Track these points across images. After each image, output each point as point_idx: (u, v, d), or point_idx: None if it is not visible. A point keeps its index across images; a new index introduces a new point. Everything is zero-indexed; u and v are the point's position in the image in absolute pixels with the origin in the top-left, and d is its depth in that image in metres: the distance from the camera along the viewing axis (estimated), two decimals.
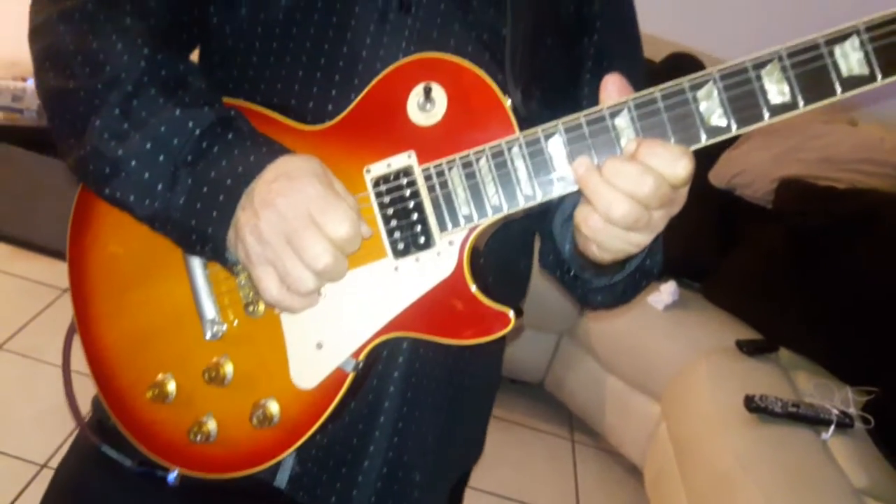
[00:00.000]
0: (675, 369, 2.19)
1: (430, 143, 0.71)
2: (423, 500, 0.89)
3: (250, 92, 0.79)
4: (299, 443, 0.76)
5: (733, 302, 2.40)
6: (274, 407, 0.76)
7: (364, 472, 0.83)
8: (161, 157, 0.69)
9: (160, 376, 0.79)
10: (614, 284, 0.83)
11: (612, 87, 0.65)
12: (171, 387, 0.79)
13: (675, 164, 0.61)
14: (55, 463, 1.94)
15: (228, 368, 0.77)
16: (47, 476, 1.89)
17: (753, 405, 1.85)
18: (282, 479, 0.84)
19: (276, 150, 0.70)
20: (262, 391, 0.76)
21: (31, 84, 2.58)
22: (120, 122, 0.69)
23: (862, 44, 0.59)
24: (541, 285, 2.36)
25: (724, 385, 2.01)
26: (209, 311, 0.78)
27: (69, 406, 0.88)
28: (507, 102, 0.70)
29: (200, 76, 0.74)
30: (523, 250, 0.94)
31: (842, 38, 0.60)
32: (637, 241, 0.66)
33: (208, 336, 0.78)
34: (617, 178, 0.62)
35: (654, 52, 2.68)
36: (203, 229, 0.70)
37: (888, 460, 1.85)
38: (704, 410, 1.98)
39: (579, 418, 2.59)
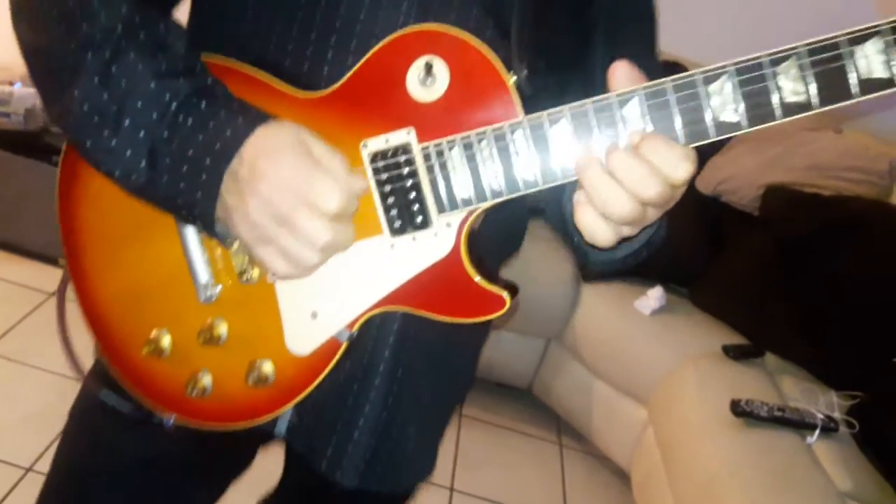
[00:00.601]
0: (662, 374, 2.20)
1: (429, 120, 0.68)
2: (417, 452, 0.91)
3: (242, 49, 0.76)
4: (293, 402, 0.78)
5: (720, 307, 2.42)
6: (269, 367, 0.77)
7: (360, 429, 0.84)
8: (141, 134, 0.67)
9: (155, 332, 0.79)
10: (614, 260, 0.82)
11: (621, 74, 0.63)
12: (166, 342, 0.79)
13: (677, 166, 0.60)
14: (41, 466, 1.93)
15: (223, 330, 0.77)
16: (33, 479, 1.88)
17: (739, 409, 1.86)
18: (281, 428, 0.86)
19: (253, 120, 0.68)
20: (257, 352, 0.77)
21: (17, 88, 2.57)
22: (99, 92, 0.67)
23: (886, 45, 0.57)
24: (529, 291, 2.36)
25: (710, 390, 2.02)
26: (203, 275, 0.77)
27: (66, 356, 0.90)
28: (511, 81, 0.67)
29: (181, 36, 0.72)
30: (521, 216, 0.92)
31: (864, 38, 0.57)
32: (626, 232, 0.65)
33: (202, 299, 0.78)
34: (622, 176, 0.61)
35: None
36: (189, 207, 0.69)
37: (872, 464, 1.86)
38: (691, 415, 1.99)
39: (567, 423, 2.60)
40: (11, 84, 2.58)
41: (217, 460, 0.94)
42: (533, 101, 0.68)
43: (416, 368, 0.85)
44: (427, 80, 0.68)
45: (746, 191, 2.53)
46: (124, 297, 0.81)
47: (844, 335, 2.20)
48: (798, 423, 1.88)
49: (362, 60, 0.70)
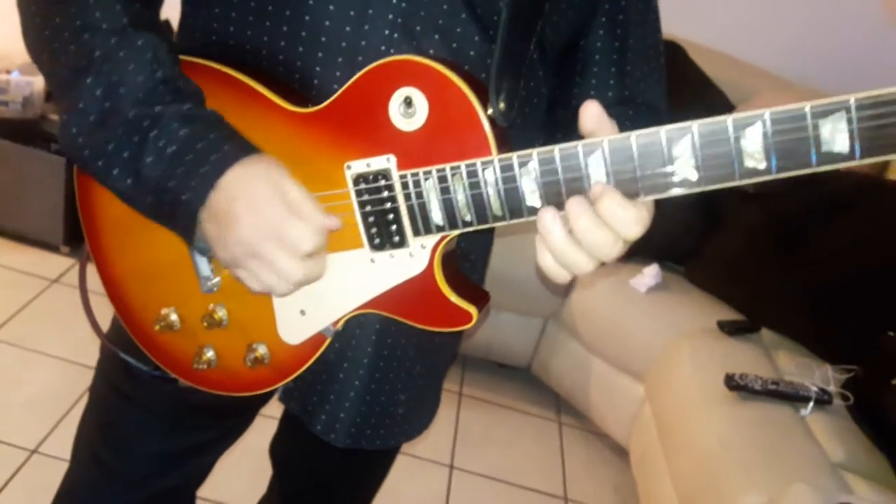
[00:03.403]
0: (658, 351, 2.22)
1: (409, 149, 0.72)
2: (408, 415, 0.98)
3: (237, 58, 0.79)
4: (286, 381, 0.85)
5: (715, 284, 2.44)
6: (264, 350, 0.84)
7: (350, 400, 0.91)
8: (125, 154, 0.71)
9: (164, 311, 0.85)
10: None
11: (591, 115, 0.65)
12: (175, 318, 0.85)
13: (630, 228, 0.64)
14: (45, 448, 1.97)
15: (223, 314, 0.83)
16: (38, 461, 1.92)
17: (733, 383, 1.89)
18: (279, 391, 0.93)
19: (227, 157, 0.71)
20: (253, 336, 0.83)
21: (15, 76, 2.58)
22: (86, 117, 0.70)
23: (849, 122, 0.57)
24: (527, 272, 2.38)
25: (705, 365, 2.05)
26: (204, 268, 0.82)
27: (90, 322, 0.95)
28: (485, 118, 0.70)
29: (168, 52, 0.73)
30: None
31: (828, 112, 0.57)
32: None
33: (203, 290, 0.83)
34: (583, 239, 0.65)
35: None
36: (171, 227, 0.75)
37: (865, 435, 1.89)
38: (686, 390, 2.02)
39: (566, 401, 2.63)
40: (9, 72, 2.59)
41: (226, 411, 1.01)
42: (513, 129, 0.72)
43: (402, 346, 0.91)
44: (407, 111, 0.71)
45: None
46: (135, 276, 0.87)
47: (839, 309, 2.21)
48: (792, 396, 1.90)
49: (349, 83, 0.73)
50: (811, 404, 1.89)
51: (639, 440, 2.25)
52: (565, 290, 2.47)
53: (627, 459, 2.33)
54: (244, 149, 0.72)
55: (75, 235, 2.72)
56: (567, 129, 0.87)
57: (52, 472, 1.87)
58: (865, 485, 1.69)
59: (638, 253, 2.48)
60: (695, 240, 2.51)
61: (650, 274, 2.38)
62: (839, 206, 2.30)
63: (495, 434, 2.52)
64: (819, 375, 2.05)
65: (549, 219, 0.65)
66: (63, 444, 1.98)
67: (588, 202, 0.65)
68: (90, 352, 2.33)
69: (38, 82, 2.59)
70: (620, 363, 2.38)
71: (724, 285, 2.41)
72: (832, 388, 1.98)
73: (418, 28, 0.75)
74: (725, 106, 2.69)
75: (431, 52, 0.76)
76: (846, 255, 2.24)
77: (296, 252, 0.71)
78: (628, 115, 0.85)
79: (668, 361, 2.15)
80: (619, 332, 2.36)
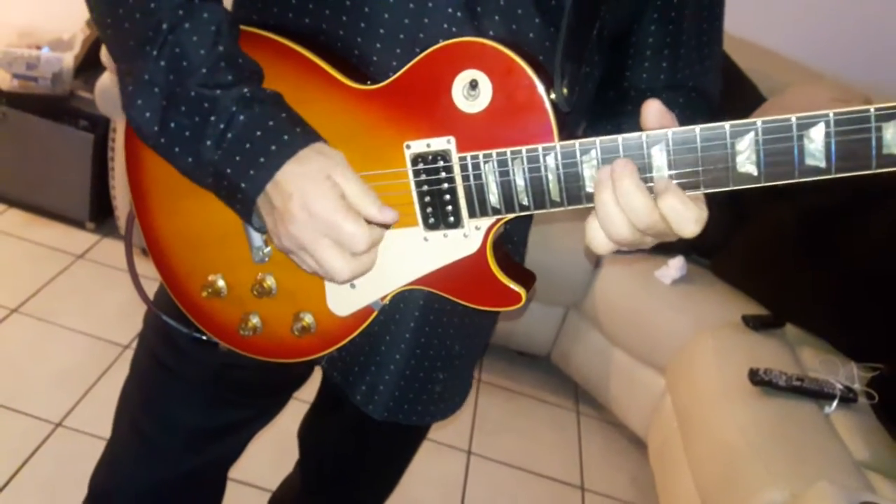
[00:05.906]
0: (681, 343, 2.21)
1: (470, 131, 0.72)
2: (445, 394, 0.99)
3: (295, 34, 0.78)
4: (331, 350, 0.87)
5: (741, 278, 2.41)
6: (310, 319, 0.85)
7: (390, 373, 0.93)
8: (187, 133, 0.72)
9: (211, 277, 0.86)
10: None
11: (653, 112, 0.66)
12: (222, 284, 0.86)
13: (686, 227, 0.66)
14: (70, 422, 2.00)
15: (272, 283, 0.84)
16: (62, 434, 1.94)
17: (757, 378, 1.87)
18: (320, 358, 0.94)
19: (284, 150, 0.70)
20: (301, 306, 0.84)
21: (45, 52, 2.59)
22: (151, 89, 0.71)
23: None
24: (549, 260, 2.37)
25: (729, 359, 2.03)
26: (257, 239, 0.83)
27: (134, 285, 0.96)
28: (550, 108, 0.70)
29: (230, 30, 0.73)
30: None
31: (892, 115, 0.58)
32: (624, 248, 0.71)
33: (255, 260, 0.84)
34: (631, 212, 0.65)
35: None
36: (231, 206, 0.75)
37: (890, 434, 1.86)
38: (709, 383, 2.00)
39: (585, 390, 2.62)
40: (39, 48, 2.61)
41: (264, 390, 1.03)
42: (572, 114, 0.72)
43: (443, 324, 0.92)
44: (471, 94, 0.71)
45: None
46: (184, 241, 0.88)
47: (865, 307, 2.18)
48: (816, 393, 1.88)
49: (413, 62, 0.73)
50: (835, 402, 1.88)
51: (658, 432, 2.24)
52: (589, 277, 2.45)
53: (645, 450, 2.33)
54: (305, 138, 0.72)
55: (101, 212, 2.75)
56: (614, 109, 0.87)
57: (77, 445, 1.91)
58: (889, 485, 1.68)
59: (663, 245, 2.46)
60: (721, 233, 2.48)
61: (675, 266, 2.36)
62: (867, 202, 2.26)
63: (513, 421, 2.52)
64: (844, 373, 2.03)
65: (606, 172, 0.66)
66: (87, 418, 2.01)
67: (633, 164, 0.66)
68: (114, 327, 2.37)
69: (67, 59, 2.60)
70: (642, 355, 2.36)
71: (750, 280, 2.39)
72: (857, 386, 1.96)
73: (479, 8, 0.74)
74: (758, 98, 2.66)
75: (491, 32, 0.75)
76: (873, 253, 2.21)
77: (347, 251, 0.72)
78: (678, 103, 0.85)
79: (691, 354, 2.14)
80: (642, 324, 2.34)
